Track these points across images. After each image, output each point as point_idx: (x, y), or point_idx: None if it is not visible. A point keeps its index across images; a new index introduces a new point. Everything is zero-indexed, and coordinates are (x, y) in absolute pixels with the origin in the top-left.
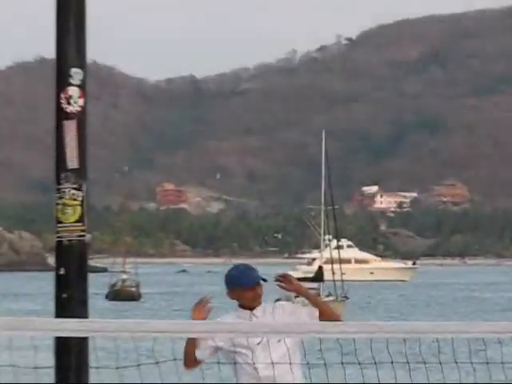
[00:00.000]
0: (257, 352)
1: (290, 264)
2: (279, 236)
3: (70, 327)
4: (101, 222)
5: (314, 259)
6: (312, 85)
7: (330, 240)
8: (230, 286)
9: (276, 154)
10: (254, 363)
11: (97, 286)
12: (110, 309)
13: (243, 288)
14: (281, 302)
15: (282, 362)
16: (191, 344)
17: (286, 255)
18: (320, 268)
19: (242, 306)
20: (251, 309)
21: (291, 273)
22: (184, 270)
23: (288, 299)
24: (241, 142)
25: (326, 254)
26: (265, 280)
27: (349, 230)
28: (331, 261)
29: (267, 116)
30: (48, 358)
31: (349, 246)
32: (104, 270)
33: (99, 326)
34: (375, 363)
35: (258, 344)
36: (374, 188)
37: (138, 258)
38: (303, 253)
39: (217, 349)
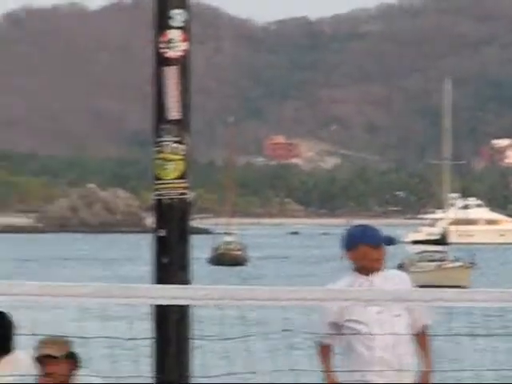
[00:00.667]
0: (374, 327)
1: (411, 225)
2: (401, 194)
3: (171, 294)
4: (204, 178)
5: (437, 220)
6: (438, 27)
7: (455, 199)
8: (351, 244)
9: (398, 104)
10: (368, 341)
11: (199, 249)
12: (213, 274)
13: (368, 245)
14: (403, 275)
15: (401, 342)
16: (324, 353)
17: (409, 215)
18: (445, 229)
19: (358, 271)
20: (369, 273)
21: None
22: (295, 232)
23: (412, 263)
24: (359, 91)
25: (452, 214)
26: (392, 242)
27: (477, 188)
28: (458, 222)
29: (388, 61)
30: (145, 328)
31: (477, 206)
32: (207, 231)
33: (202, 293)
34: (507, 335)
35: (378, 314)
36: (506, 141)
37: (244, 219)
38: (426, 213)
39: (334, 327)
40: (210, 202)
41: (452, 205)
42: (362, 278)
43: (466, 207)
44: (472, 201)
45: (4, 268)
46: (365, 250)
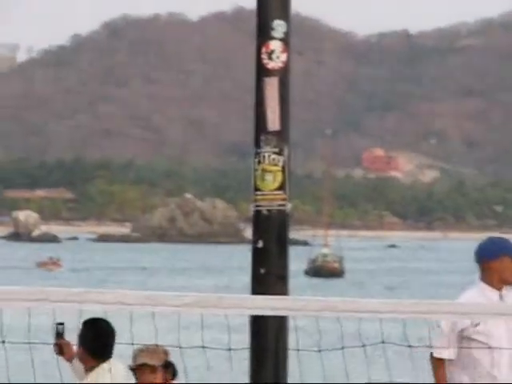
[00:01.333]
0: (503, 343)
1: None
2: (499, 208)
3: (269, 305)
4: (302, 190)
5: None
6: None
7: None
8: (495, 254)
9: (497, 118)
10: (497, 356)
11: (296, 260)
12: (310, 286)
13: (507, 258)
14: None
15: None
16: (435, 366)
17: (506, 230)
18: None
19: (490, 283)
20: (502, 287)
21: None
22: (393, 245)
23: None
24: (458, 105)
25: None
26: None
27: None
28: None
29: (488, 76)
30: (242, 339)
31: None
32: (304, 243)
33: (301, 304)
34: None
35: (509, 330)
36: None
37: (341, 231)
38: None
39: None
40: (307, 214)
41: None
42: (491, 292)
43: None
44: None
45: (101, 275)
46: (508, 262)
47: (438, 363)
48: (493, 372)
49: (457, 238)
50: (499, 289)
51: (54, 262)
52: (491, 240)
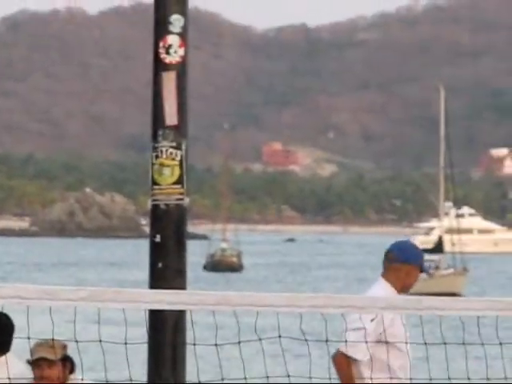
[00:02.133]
0: (403, 345)
1: (407, 234)
2: (397, 203)
3: (167, 299)
4: (201, 184)
5: (432, 229)
6: (436, 36)
7: (450, 208)
8: (414, 259)
9: (394, 112)
10: (405, 360)
11: (194, 254)
12: (208, 280)
13: (418, 268)
14: None
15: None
16: (345, 365)
17: (405, 224)
18: (440, 238)
19: (396, 287)
20: (400, 292)
21: None
22: (292, 239)
23: None
24: (356, 98)
25: (446, 223)
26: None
27: (475, 197)
28: (451, 231)
29: (385, 70)
30: (140, 333)
31: (471, 215)
32: (203, 237)
33: (198, 298)
34: (500, 344)
35: (372, 321)
36: (504, 151)
37: (241, 225)
38: (421, 222)
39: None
40: (206, 208)
41: (447, 214)
42: (392, 293)
43: (460, 216)
44: (466, 210)
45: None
46: (413, 271)
47: (347, 362)
48: (400, 375)
49: (356, 233)
50: (399, 292)
51: None
52: (410, 244)
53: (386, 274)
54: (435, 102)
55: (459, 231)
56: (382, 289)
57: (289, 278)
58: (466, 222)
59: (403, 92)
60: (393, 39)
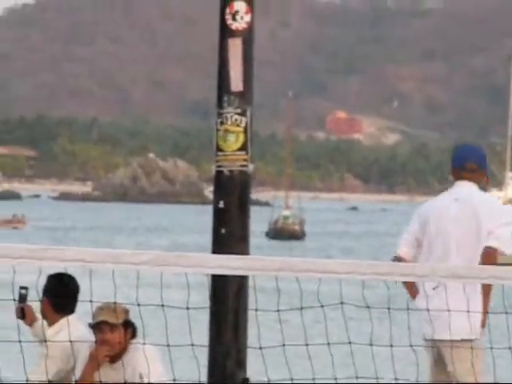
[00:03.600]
0: (433, 300)
1: None
2: None
3: (229, 264)
4: (265, 151)
5: None
6: (504, 6)
7: (511, 178)
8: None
9: (460, 82)
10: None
11: (257, 222)
12: (270, 247)
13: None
14: None
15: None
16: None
17: None
18: None
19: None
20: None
21: None
22: (355, 207)
23: None
24: (421, 68)
25: (509, 193)
26: None
27: None
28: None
29: (452, 39)
30: (202, 298)
31: None
32: (266, 204)
33: (261, 263)
34: None
35: (434, 289)
36: None
37: (303, 192)
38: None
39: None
40: (270, 175)
41: (509, 184)
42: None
43: None
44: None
45: (61, 235)
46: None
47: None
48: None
49: (419, 202)
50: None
51: (19, 220)
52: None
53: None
54: (501, 72)
55: None
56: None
57: (352, 246)
58: None
59: (469, 62)
60: (459, 9)
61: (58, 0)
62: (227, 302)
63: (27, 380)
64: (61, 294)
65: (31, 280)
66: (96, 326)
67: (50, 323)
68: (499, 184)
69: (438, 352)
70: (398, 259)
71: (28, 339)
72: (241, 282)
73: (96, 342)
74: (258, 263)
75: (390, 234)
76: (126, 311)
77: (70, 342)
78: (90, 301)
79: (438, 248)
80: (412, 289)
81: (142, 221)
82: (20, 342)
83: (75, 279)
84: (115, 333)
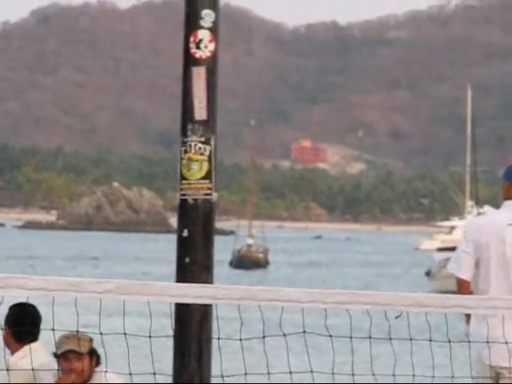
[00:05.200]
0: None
1: (430, 233)
2: (425, 201)
3: (192, 293)
4: (229, 180)
5: (453, 227)
6: (467, 36)
7: (472, 207)
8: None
9: (424, 111)
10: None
11: (221, 251)
12: (234, 276)
13: None
14: None
15: None
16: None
17: (433, 223)
18: None
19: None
20: None
21: (429, 242)
22: (319, 236)
23: (439, 270)
24: (386, 97)
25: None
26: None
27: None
28: None
29: (416, 69)
30: (165, 326)
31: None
32: (230, 233)
33: (224, 292)
34: None
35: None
36: None
37: (268, 221)
38: (442, 220)
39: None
40: (234, 204)
41: (469, 212)
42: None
43: (480, 215)
44: (487, 209)
45: (25, 264)
46: None
47: (463, 285)
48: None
49: (384, 231)
50: None
51: None
52: None
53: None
54: (464, 101)
55: None
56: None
57: (315, 275)
58: None
59: (433, 91)
60: (424, 38)
61: (23, 29)
62: (191, 330)
63: None
64: (22, 323)
65: None
66: (62, 355)
67: (13, 352)
68: (460, 213)
69: (497, 378)
70: (462, 283)
71: None
72: (204, 310)
73: (62, 370)
74: (221, 292)
75: (354, 263)
76: (91, 339)
77: (33, 369)
78: (52, 329)
79: (499, 275)
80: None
81: (106, 250)
82: None
83: (36, 308)
84: (81, 361)
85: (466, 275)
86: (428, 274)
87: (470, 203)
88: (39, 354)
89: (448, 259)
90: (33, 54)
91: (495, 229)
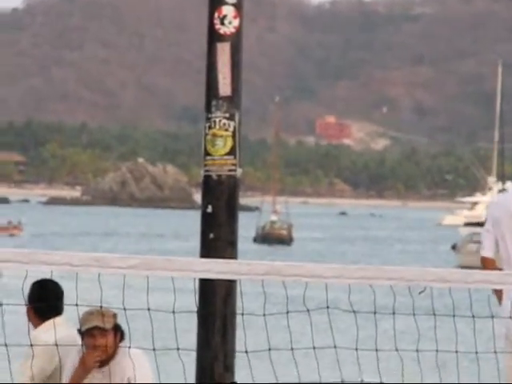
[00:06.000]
0: None
1: (453, 209)
2: (450, 177)
3: (216, 268)
4: (254, 156)
5: (475, 203)
6: (492, 12)
7: (493, 183)
8: None
9: (449, 87)
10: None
11: (245, 227)
12: (257, 252)
13: None
14: None
15: None
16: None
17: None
18: None
19: None
20: None
21: (451, 218)
22: (343, 212)
23: (463, 245)
24: (411, 73)
25: (490, 197)
26: None
27: None
28: None
29: (441, 44)
30: (189, 302)
31: None
32: (255, 209)
33: (248, 267)
34: None
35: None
36: None
37: (293, 198)
38: (465, 196)
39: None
40: (258, 180)
41: (490, 189)
42: None
43: (503, 191)
44: (510, 184)
45: (50, 240)
46: None
47: (488, 264)
48: None
49: (409, 207)
50: None
51: (15, 227)
52: None
53: None
54: (490, 77)
55: None
56: None
57: (340, 251)
58: None
59: (458, 67)
60: (449, 14)
61: (47, 5)
62: (215, 306)
63: (12, 380)
64: (43, 299)
65: (18, 284)
66: (87, 332)
67: (35, 327)
68: (482, 189)
69: None
70: (484, 260)
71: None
72: (229, 286)
73: (86, 346)
74: (245, 267)
75: (378, 239)
76: (115, 315)
77: (56, 344)
78: (76, 304)
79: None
80: (498, 292)
81: (130, 226)
82: (6, 345)
83: (58, 284)
84: (106, 338)
85: (487, 253)
86: (454, 247)
87: (492, 179)
88: (62, 328)
89: (474, 234)
90: (57, 30)
91: (508, 205)
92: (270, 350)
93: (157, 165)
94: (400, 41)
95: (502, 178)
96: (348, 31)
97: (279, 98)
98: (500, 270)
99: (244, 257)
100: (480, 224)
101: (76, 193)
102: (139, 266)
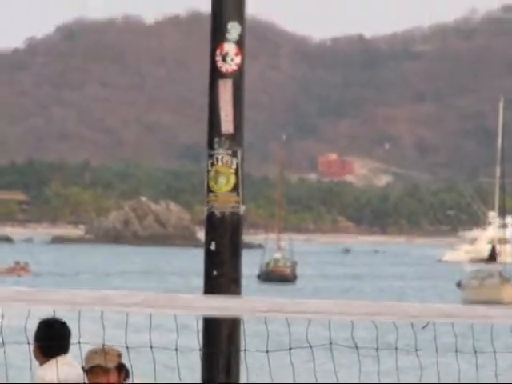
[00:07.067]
0: None
1: (454, 244)
2: (452, 213)
3: (219, 305)
4: (257, 193)
5: (475, 239)
6: (492, 48)
7: (494, 217)
8: None
9: (450, 124)
10: None
11: (248, 264)
12: (261, 290)
13: None
14: None
15: None
16: None
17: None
18: (493, 248)
19: None
20: None
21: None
22: (347, 249)
23: (469, 281)
24: (412, 110)
25: (490, 232)
26: None
27: None
28: (494, 240)
29: (442, 81)
30: (192, 340)
31: None
32: (258, 246)
33: (251, 304)
34: None
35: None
36: None
37: (295, 235)
38: (465, 231)
39: None
40: (261, 217)
41: (490, 223)
42: None
43: (503, 226)
44: (510, 220)
45: (58, 280)
46: None
47: None
48: None
49: (412, 243)
50: None
51: (22, 268)
52: None
53: None
54: (491, 113)
55: (502, 241)
56: None
57: (344, 288)
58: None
59: (459, 104)
60: (449, 50)
61: (48, 45)
62: (220, 344)
63: None
64: (49, 338)
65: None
66: (89, 370)
67: (41, 365)
68: (483, 224)
69: None
70: None
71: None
72: (233, 324)
73: None
74: (248, 304)
75: (382, 275)
76: (119, 354)
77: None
78: (79, 342)
79: None
80: None
81: (134, 264)
82: None
83: (65, 323)
84: (108, 376)
85: None
86: (459, 285)
87: (493, 214)
88: (67, 367)
89: (478, 270)
90: (58, 70)
91: None
92: None
93: (159, 203)
94: (401, 77)
95: (503, 212)
96: (349, 68)
97: (283, 136)
98: None
99: (248, 294)
100: (484, 260)
101: (79, 231)
102: (142, 303)
